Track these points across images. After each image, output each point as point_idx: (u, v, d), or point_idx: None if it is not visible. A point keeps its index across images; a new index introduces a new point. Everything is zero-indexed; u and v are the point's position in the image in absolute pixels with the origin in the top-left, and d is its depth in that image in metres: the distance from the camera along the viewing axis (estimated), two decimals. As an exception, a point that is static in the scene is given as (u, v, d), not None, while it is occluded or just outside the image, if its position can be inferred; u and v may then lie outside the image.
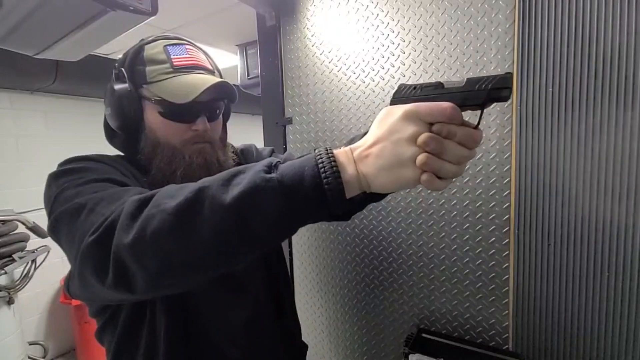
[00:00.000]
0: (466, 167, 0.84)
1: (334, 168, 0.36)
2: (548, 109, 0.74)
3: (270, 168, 0.38)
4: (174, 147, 0.61)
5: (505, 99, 0.36)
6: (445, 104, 0.36)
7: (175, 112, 0.60)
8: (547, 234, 0.76)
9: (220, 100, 0.67)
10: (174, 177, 0.60)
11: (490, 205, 0.82)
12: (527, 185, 0.77)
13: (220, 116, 0.69)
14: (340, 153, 0.39)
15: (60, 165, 0.56)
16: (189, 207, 0.37)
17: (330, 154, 0.38)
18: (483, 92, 0.36)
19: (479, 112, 0.39)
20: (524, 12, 0.74)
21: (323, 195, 0.36)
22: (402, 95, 0.41)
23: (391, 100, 0.41)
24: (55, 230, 0.47)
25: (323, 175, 0.36)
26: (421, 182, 0.36)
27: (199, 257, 0.37)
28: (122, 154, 0.68)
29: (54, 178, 0.53)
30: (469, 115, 0.43)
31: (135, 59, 0.62)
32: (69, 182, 0.49)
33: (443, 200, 0.89)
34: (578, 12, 0.69)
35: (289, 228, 0.40)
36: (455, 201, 0.87)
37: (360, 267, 1.06)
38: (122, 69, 0.62)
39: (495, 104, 0.47)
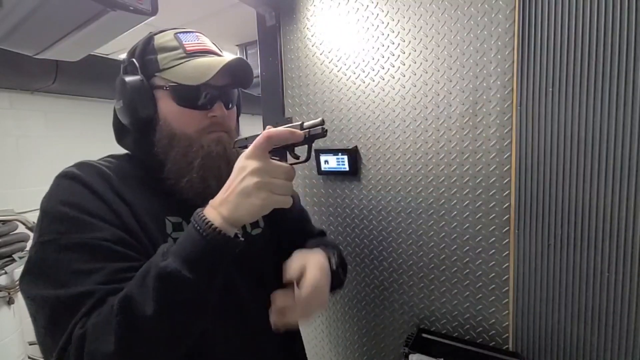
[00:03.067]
0: (466, 167, 0.84)
1: (206, 222, 0.45)
2: (548, 109, 0.74)
3: (164, 255, 0.45)
4: (190, 137, 0.58)
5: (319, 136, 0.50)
6: (261, 136, 0.47)
7: (191, 98, 0.58)
8: (547, 234, 0.76)
9: (235, 85, 0.64)
10: (191, 169, 0.57)
11: (490, 205, 0.82)
12: (527, 185, 0.77)
13: (235, 107, 0.67)
14: (207, 209, 0.48)
15: (60, 179, 0.53)
16: (126, 345, 0.41)
17: (200, 215, 0.47)
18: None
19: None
20: (524, 12, 0.74)
21: (210, 245, 0.44)
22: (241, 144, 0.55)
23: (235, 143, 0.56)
24: (23, 290, 0.48)
25: (202, 232, 0.45)
26: (266, 203, 0.46)
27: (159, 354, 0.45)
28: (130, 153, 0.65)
29: (46, 213, 0.50)
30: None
31: (145, 49, 0.60)
32: (55, 236, 0.48)
33: (443, 200, 0.89)
34: (578, 12, 0.69)
35: (209, 281, 0.46)
36: (455, 201, 0.87)
37: (361, 267, 1.06)
38: (133, 60, 0.59)
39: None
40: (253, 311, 0.63)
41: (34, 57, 0.94)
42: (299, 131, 0.49)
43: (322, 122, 0.49)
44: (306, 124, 0.50)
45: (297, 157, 0.53)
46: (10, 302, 1.87)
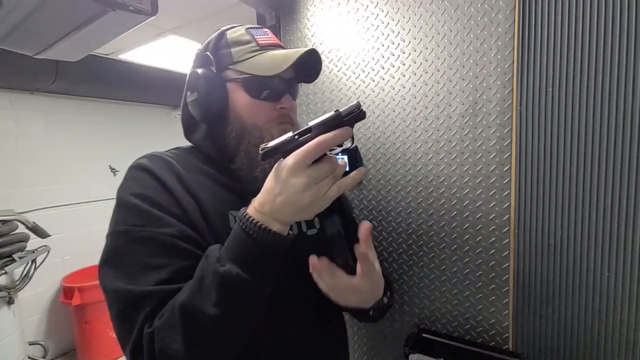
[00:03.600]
0: (466, 167, 0.84)
1: (256, 224, 0.47)
2: (548, 109, 0.74)
3: (220, 261, 0.47)
4: (261, 128, 0.60)
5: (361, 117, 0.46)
6: (311, 145, 0.44)
7: (263, 89, 0.60)
8: (547, 234, 0.76)
9: (301, 79, 0.66)
10: (256, 169, 0.59)
11: (490, 205, 0.82)
12: (527, 185, 0.77)
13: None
14: (255, 213, 0.48)
15: (134, 170, 0.57)
16: (194, 344, 0.45)
17: (248, 217, 0.48)
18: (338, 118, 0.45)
19: None
20: (524, 12, 0.74)
21: (263, 245, 0.46)
22: (284, 149, 0.47)
23: (263, 155, 0.48)
24: (100, 280, 0.53)
25: (252, 234, 0.46)
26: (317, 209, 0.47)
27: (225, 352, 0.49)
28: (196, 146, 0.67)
29: (121, 203, 0.54)
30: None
31: (219, 43, 0.62)
32: (128, 227, 0.52)
33: (443, 200, 0.89)
34: (578, 12, 0.69)
35: (266, 280, 0.49)
36: (455, 201, 0.87)
37: (360, 267, 1.06)
38: (207, 53, 0.62)
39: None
40: (301, 312, 0.64)
41: (34, 57, 0.94)
42: (348, 129, 0.46)
43: (359, 104, 0.46)
44: (344, 111, 0.46)
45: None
46: (10, 302, 1.87)
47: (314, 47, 1.06)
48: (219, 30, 0.64)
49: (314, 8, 1.04)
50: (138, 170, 0.56)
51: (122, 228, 0.52)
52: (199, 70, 0.60)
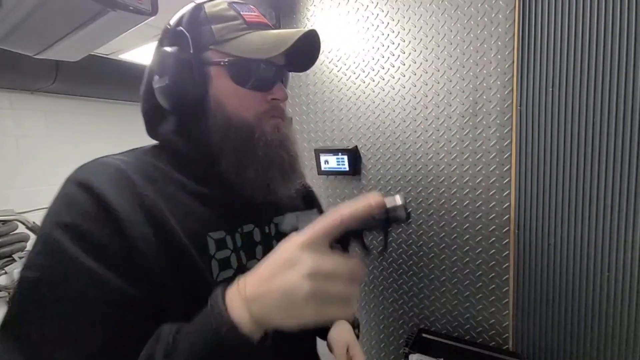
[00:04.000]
0: (466, 167, 0.84)
1: (228, 322, 0.32)
2: (548, 109, 0.74)
3: (168, 356, 0.33)
4: (249, 122, 0.49)
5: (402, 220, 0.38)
6: (328, 224, 0.34)
7: (252, 76, 0.49)
8: (547, 234, 0.76)
9: (296, 65, 0.55)
10: (255, 160, 0.48)
11: (490, 205, 0.82)
12: (527, 185, 0.77)
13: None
14: (234, 298, 0.34)
15: (69, 186, 0.41)
16: None
17: (221, 309, 0.33)
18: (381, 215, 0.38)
19: None
20: (524, 12, 0.74)
21: (228, 349, 0.32)
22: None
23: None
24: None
25: (220, 331, 0.32)
26: (315, 319, 0.33)
27: None
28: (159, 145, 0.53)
29: (40, 236, 0.39)
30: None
31: (196, 17, 0.50)
32: (39, 275, 0.36)
33: (443, 200, 0.89)
34: (578, 12, 0.69)
35: None
36: (455, 201, 0.87)
37: (360, 267, 1.06)
38: (181, 29, 0.49)
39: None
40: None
41: (34, 57, 0.94)
42: (379, 200, 0.36)
43: (405, 203, 0.38)
44: (387, 204, 0.38)
45: (367, 248, 0.41)
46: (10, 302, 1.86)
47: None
48: (194, 3, 0.51)
49: (314, 8, 1.04)
50: (75, 186, 0.41)
51: (33, 276, 0.36)
52: (170, 49, 0.48)
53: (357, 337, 0.68)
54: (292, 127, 0.55)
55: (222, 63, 0.48)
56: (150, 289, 0.39)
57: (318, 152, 1.06)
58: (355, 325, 0.71)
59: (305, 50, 0.52)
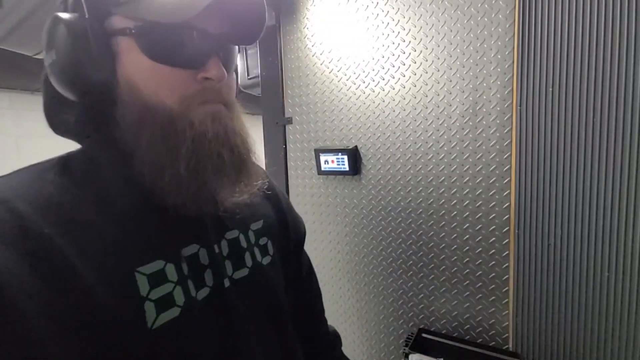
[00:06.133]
0: (466, 167, 0.84)
1: None
2: (548, 109, 0.74)
3: None
4: (171, 109, 0.37)
5: None
6: None
7: (173, 46, 0.37)
8: (547, 234, 0.76)
9: (238, 37, 0.43)
10: (176, 159, 0.36)
11: (490, 205, 0.82)
12: (527, 185, 0.77)
13: (234, 74, 0.46)
14: None
15: None
16: None
17: None
18: None
19: None
20: (524, 12, 0.74)
21: None
22: None
23: None
24: None
25: None
26: None
27: None
28: (68, 155, 0.40)
29: None
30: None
31: None
32: None
33: (443, 200, 0.89)
34: (578, 12, 0.69)
35: None
36: (455, 201, 0.87)
37: (360, 267, 1.06)
38: None
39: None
40: (260, 355, 0.45)
41: (34, 57, 0.95)
42: None
43: None
44: None
45: None
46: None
47: (313, 46, 1.07)
48: None
49: (313, 8, 1.04)
50: None
51: None
52: (62, 16, 0.37)
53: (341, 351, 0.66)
54: (238, 115, 0.43)
55: (130, 31, 0.36)
56: None
57: (318, 152, 1.06)
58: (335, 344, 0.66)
59: (243, 13, 0.41)
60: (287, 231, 0.57)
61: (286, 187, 1.19)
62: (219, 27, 0.40)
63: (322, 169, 1.06)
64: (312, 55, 1.07)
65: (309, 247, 1.04)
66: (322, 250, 1.13)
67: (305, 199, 1.15)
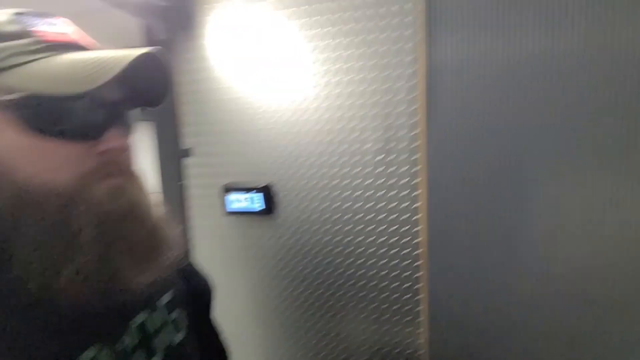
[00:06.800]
0: (379, 205, 0.83)
1: None
2: (460, 148, 0.78)
3: None
4: (64, 192, 0.32)
5: None
6: None
7: (58, 120, 0.32)
8: (460, 276, 0.81)
9: (138, 101, 0.39)
10: (78, 255, 0.31)
11: (403, 241, 0.84)
12: (438, 221, 0.80)
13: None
14: None
15: None
16: None
17: None
18: None
19: None
20: (429, 55, 0.77)
21: None
22: None
23: None
24: None
25: None
26: None
27: None
28: None
29: None
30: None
31: None
32: None
33: (362, 237, 0.87)
34: (487, 51, 0.75)
35: None
36: (372, 238, 0.86)
37: (277, 313, 0.96)
38: None
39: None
40: None
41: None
42: None
43: None
44: None
45: None
46: None
47: (210, 69, 0.92)
48: None
49: (212, 23, 0.91)
50: None
51: None
52: None
53: None
54: (141, 185, 0.39)
55: (6, 103, 0.30)
56: None
57: (225, 190, 0.92)
58: None
59: (147, 80, 0.38)
60: (198, 294, 0.55)
61: (185, 230, 1.01)
62: (119, 94, 0.36)
63: (230, 208, 0.93)
64: (215, 78, 0.93)
65: (219, 299, 0.88)
66: (234, 299, 0.99)
67: (213, 241, 1.00)
